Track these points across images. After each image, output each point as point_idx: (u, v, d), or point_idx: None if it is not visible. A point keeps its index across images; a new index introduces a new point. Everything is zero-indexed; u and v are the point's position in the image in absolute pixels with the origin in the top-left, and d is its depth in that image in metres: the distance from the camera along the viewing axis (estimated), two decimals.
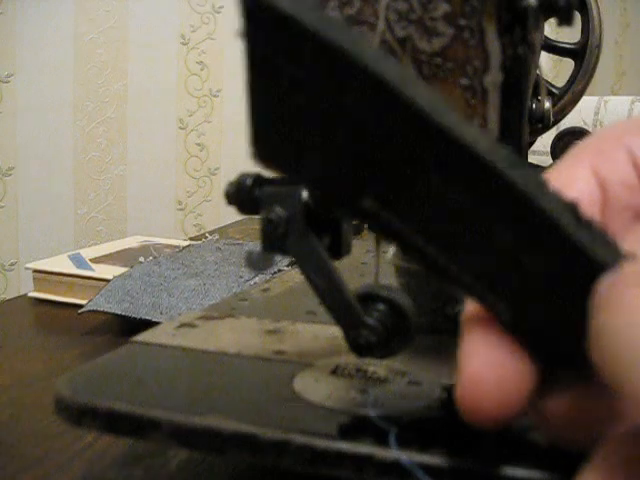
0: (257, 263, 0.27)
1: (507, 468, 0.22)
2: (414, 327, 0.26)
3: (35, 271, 0.64)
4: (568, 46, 0.58)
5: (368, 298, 0.27)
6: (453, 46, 0.25)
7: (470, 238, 0.17)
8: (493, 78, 0.25)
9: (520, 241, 0.16)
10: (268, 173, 0.27)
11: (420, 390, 0.28)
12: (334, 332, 0.28)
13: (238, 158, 1.72)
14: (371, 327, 0.26)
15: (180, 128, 1.74)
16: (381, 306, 0.26)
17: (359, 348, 0.26)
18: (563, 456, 0.23)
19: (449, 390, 0.28)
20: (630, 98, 0.90)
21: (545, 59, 0.54)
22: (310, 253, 0.26)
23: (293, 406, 0.26)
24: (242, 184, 0.27)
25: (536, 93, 0.52)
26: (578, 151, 0.20)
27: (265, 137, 0.20)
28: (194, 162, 1.76)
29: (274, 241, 0.26)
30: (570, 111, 0.59)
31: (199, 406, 0.26)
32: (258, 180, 0.27)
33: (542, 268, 0.16)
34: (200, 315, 0.38)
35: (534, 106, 0.52)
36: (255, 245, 0.74)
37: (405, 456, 0.22)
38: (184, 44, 1.72)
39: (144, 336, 0.34)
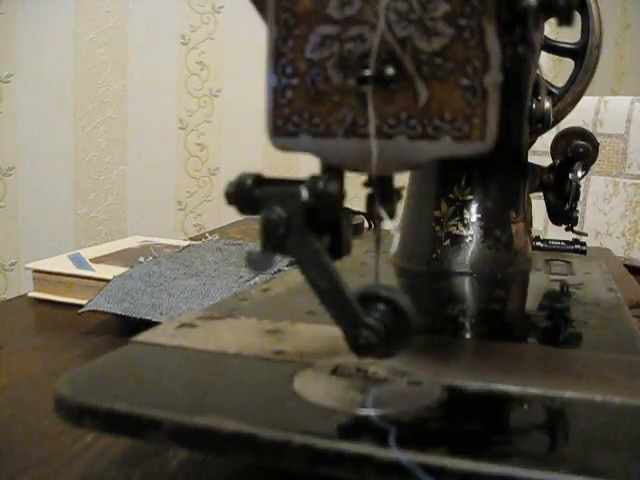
0: (257, 263, 0.27)
1: (507, 468, 0.22)
2: (414, 327, 0.26)
3: (35, 271, 0.63)
4: (568, 46, 0.58)
5: (368, 298, 0.27)
6: (453, 46, 0.25)
7: None
8: (493, 78, 0.25)
9: None
10: (268, 173, 0.27)
11: (420, 390, 0.28)
12: (334, 332, 0.28)
13: (238, 158, 1.72)
14: (371, 327, 0.26)
15: (180, 128, 1.74)
16: (381, 306, 0.26)
17: (359, 348, 0.26)
18: (561, 456, 0.23)
19: (449, 390, 0.28)
20: (630, 98, 0.90)
21: (545, 59, 0.54)
22: (310, 253, 0.26)
23: (293, 406, 0.26)
24: (242, 184, 0.27)
25: (536, 93, 0.52)
26: None
27: None
28: (194, 162, 1.76)
29: (274, 241, 0.26)
30: (570, 111, 0.59)
31: (199, 406, 0.26)
32: (258, 180, 0.27)
33: None
34: (200, 315, 0.38)
35: (534, 106, 0.52)
36: (255, 245, 0.74)
37: (405, 456, 0.22)
38: (184, 44, 1.72)
39: (144, 336, 0.34)
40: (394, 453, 0.22)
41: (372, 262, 0.30)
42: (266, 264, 0.27)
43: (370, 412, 0.25)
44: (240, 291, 0.50)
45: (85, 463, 0.34)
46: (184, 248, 0.72)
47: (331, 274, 0.26)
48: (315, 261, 0.26)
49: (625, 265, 0.74)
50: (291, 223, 0.26)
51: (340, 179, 0.27)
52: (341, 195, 0.27)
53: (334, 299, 0.26)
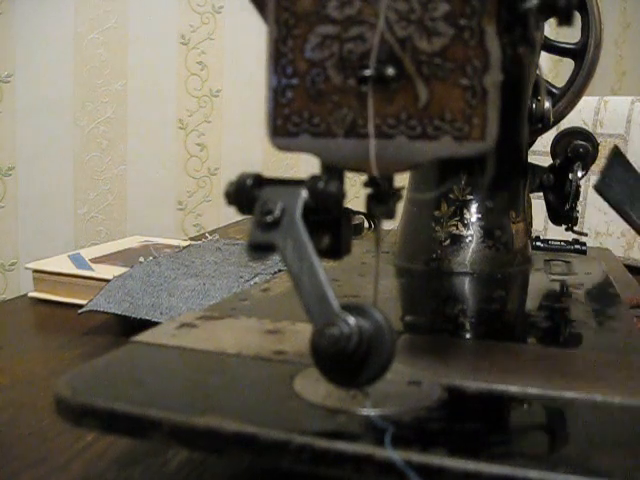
0: (258, 250, 0.27)
1: (506, 468, 0.22)
2: (391, 354, 0.25)
3: (35, 271, 0.63)
4: (568, 46, 0.58)
5: (350, 308, 0.25)
6: (453, 46, 0.25)
7: None
8: (493, 78, 0.25)
9: None
10: (268, 173, 0.27)
11: (420, 390, 0.28)
12: None
13: (238, 158, 1.72)
14: (346, 322, 0.25)
15: (180, 128, 1.74)
16: (364, 323, 0.25)
17: (329, 339, 0.24)
18: (561, 456, 0.23)
19: (449, 390, 0.28)
20: (630, 98, 0.90)
21: (545, 59, 0.54)
22: (297, 241, 0.26)
23: (293, 406, 0.26)
24: (242, 184, 0.27)
25: (536, 93, 0.52)
26: None
27: None
28: (194, 162, 1.76)
29: (265, 223, 0.26)
30: (570, 111, 0.59)
31: (199, 406, 0.26)
32: (258, 180, 0.27)
33: None
34: (200, 315, 0.38)
35: (534, 106, 0.52)
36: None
37: (398, 456, 0.22)
38: (184, 44, 1.72)
39: (144, 336, 0.34)
40: (387, 453, 0.22)
41: (372, 262, 0.30)
42: (267, 253, 0.27)
43: (370, 412, 0.25)
44: (240, 291, 0.50)
45: (85, 463, 0.34)
46: (184, 248, 0.72)
47: (314, 267, 0.25)
48: (300, 252, 0.25)
49: (625, 265, 0.74)
50: (286, 212, 0.26)
51: (340, 179, 0.27)
52: (341, 195, 0.27)
53: (312, 291, 0.25)
